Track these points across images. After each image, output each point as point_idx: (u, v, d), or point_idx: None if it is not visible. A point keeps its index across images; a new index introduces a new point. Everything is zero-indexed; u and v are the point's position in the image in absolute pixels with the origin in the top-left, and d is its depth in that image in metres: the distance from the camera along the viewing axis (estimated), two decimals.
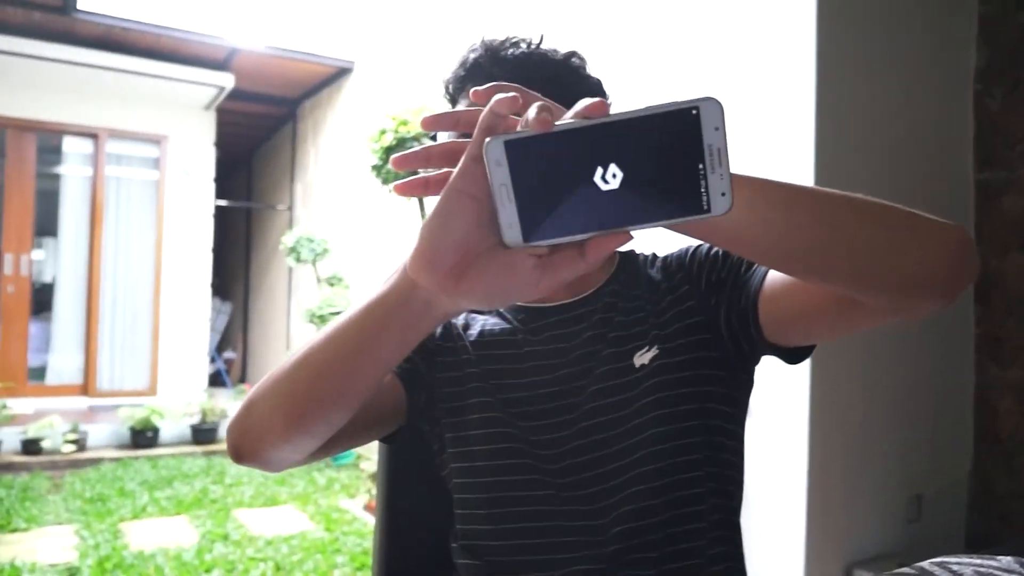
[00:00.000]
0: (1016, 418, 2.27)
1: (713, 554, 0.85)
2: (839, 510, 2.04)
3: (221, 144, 7.41)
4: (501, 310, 0.96)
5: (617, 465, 0.84)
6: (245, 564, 3.41)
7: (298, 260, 5.73)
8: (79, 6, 5.43)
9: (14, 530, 3.86)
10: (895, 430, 2.19)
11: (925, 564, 0.59)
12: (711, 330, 0.86)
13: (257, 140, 8.97)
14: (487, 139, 0.48)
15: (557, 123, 0.48)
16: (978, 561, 0.57)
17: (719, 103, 0.46)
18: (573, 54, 0.92)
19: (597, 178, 0.48)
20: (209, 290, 7.30)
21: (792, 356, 0.84)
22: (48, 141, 6.63)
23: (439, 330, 0.96)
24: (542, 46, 0.90)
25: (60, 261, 6.74)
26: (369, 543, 3.68)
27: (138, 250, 6.87)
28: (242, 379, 8.59)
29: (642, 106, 0.47)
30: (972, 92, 2.36)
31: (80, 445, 5.45)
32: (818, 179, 1.98)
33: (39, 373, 6.62)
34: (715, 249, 0.89)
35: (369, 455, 4.88)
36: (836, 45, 2.01)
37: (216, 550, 3.58)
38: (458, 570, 0.91)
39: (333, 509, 4.35)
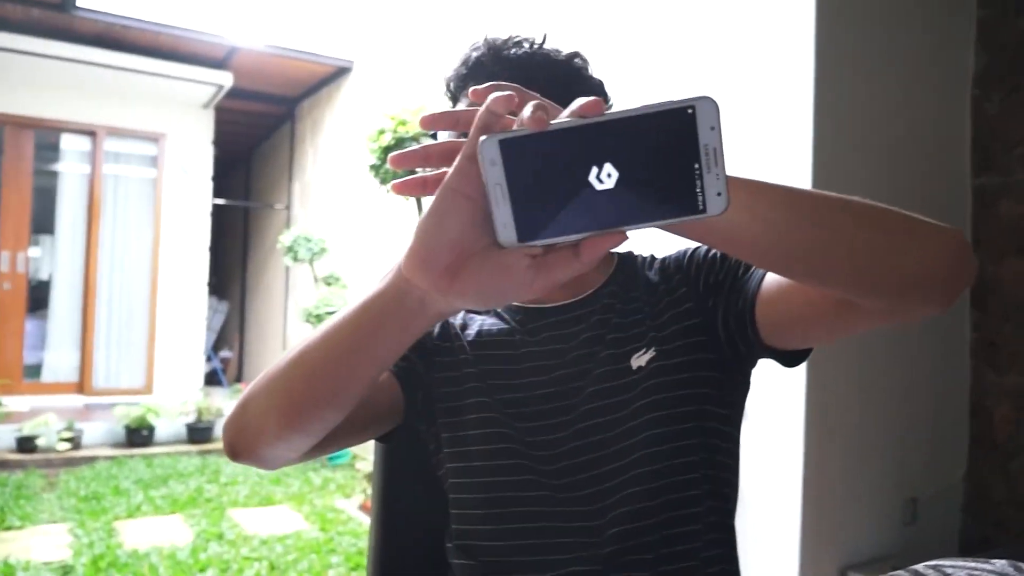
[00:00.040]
0: (1012, 423, 2.28)
1: (708, 556, 0.85)
2: (834, 512, 2.05)
3: (219, 143, 7.40)
4: (499, 310, 0.96)
5: (613, 467, 0.84)
6: (240, 564, 3.40)
7: (295, 259, 5.72)
8: (78, 3, 5.42)
9: (8, 528, 3.86)
10: (891, 433, 2.19)
11: (919, 567, 0.59)
12: (708, 332, 0.86)
13: (255, 139, 8.96)
14: (482, 138, 0.48)
15: (552, 122, 0.48)
16: (972, 564, 0.57)
17: (715, 102, 0.46)
18: (576, 55, 0.91)
19: (592, 178, 0.47)
20: (206, 289, 7.29)
21: (789, 359, 0.84)
22: (46, 138, 6.62)
23: (437, 329, 0.96)
24: (545, 46, 0.90)
25: (57, 258, 6.73)
26: (364, 543, 3.68)
27: (135, 248, 6.86)
28: (238, 378, 8.58)
29: (638, 105, 0.47)
30: (970, 96, 2.37)
31: (75, 443, 5.44)
32: (816, 180, 1.98)
33: (35, 371, 6.60)
34: (713, 251, 0.89)
35: (365, 455, 4.88)
36: (835, 46, 2.01)
37: (211, 549, 3.57)
38: (453, 570, 0.91)
39: (328, 509, 4.35)
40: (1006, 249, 2.29)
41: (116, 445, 5.72)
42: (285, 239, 5.74)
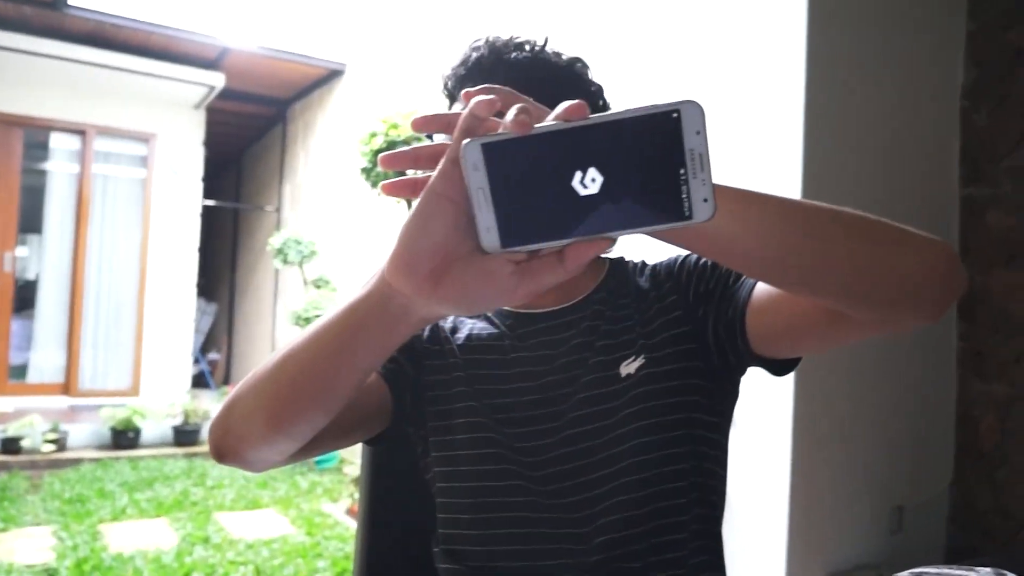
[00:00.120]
0: (998, 433, 2.29)
1: (696, 563, 0.85)
2: (821, 520, 2.05)
3: (210, 144, 7.37)
4: (489, 314, 0.96)
5: (601, 474, 0.83)
6: (225, 568, 3.38)
7: (285, 262, 5.71)
8: (70, 2, 5.40)
9: None
10: (877, 442, 2.20)
11: (905, 574, 0.59)
12: (698, 340, 0.86)
13: (247, 140, 8.94)
14: (464, 141, 0.47)
15: (536, 126, 0.47)
16: (958, 572, 0.57)
17: (700, 107, 0.46)
18: (577, 59, 0.91)
19: (576, 183, 0.47)
20: (194, 290, 7.25)
21: (778, 368, 0.84)
22: (35, 137, 6.58)
23: (426, 332, 0.96)
24: (547, 49, 0.89)
25: (44, 258, 6.68)
26: (351, 547, 3.66)
27: (123, 249, 6.82)
28: (226, 381, 8.53)
29: (622, 109, 0.47)
30: (959, 108, 2.39)
31: (60, 445, 5.39)
32: (805, 188, 1.99)
33: (20, 371, 6.55)
34: (704, 259, 0.89)
35: (352, 459, 4.86)
36: (826, 54, 2.02)
37: (196, 553, 3.55)
38: (440, 574, 0.91)
39: (315, 513, 4.33)
40: (994, 260, 2.31)
41: (102, 447, 5.67)
42: (275, 241, 5.72)
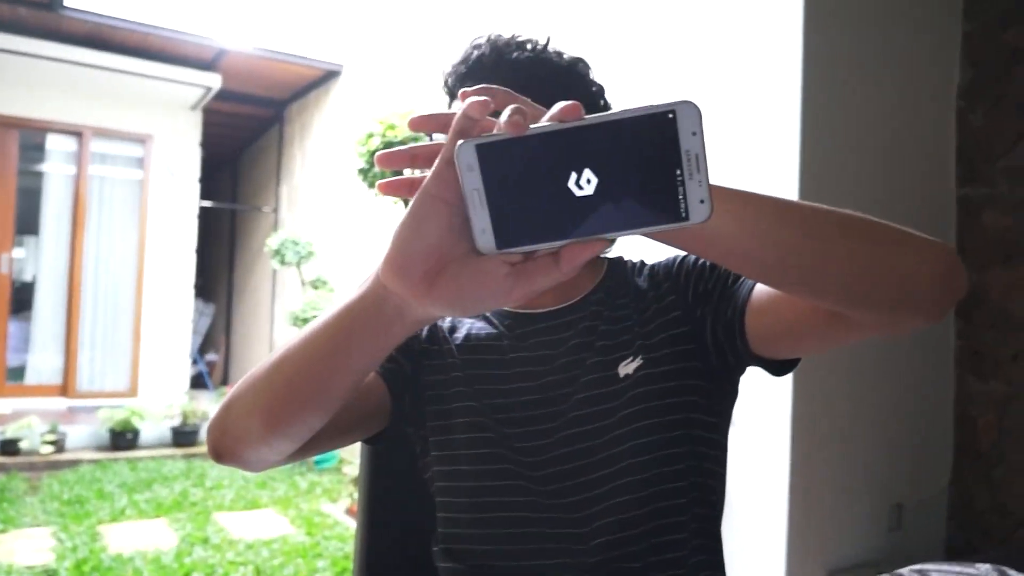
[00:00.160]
0: (995, 432, 2.30)
1: (695, 563, 0.85)
2: (820, 518, 2.05)
3: (207, 145, 7.37)
4: (487, 314, 0.96)
5: (600, 474, 0.83)
6: (225, 568, 3.38)
7: (282, 263, 5.70)
8: (66, 3, 5.38)
9: None
10: (876, 440, 2.20)
11: (904, 571, 0.59)
12: (696, 341, 0.86)
13: (243, 141, 8.93)
14: (459, 142, 0.47)
15: (532, 126, 0.47)
16: (957, 569, 0.57)
17: (696, 107, 0.45)
18: (579, 60, 0.91)
19: (571, 184, 0.46)
20: (192, 291, 7.24)
21: (777, 368, 0.84)
22: (31, 138, 6.57)
23: (425, 332, 0.95)
24: (548, 48, 0.89)
25: (41, 260, 6.67)
26: (350, 547, 3.66)
27: (120, 250, 6.81)
28: (224, 381, 8.52)
29: (618, 109, 0.46)
30: (955, 108, 2.39)
31: (59, 446, 5.39)
32: (803, 189, 1.99)
33: (18, 373, 6.54)
34: (703, 259, 0.88)
35: (351, 459, 4.85)
36: (822, 54, 2.03)
37: (196, 554, 3.54)
38: (440, 574, 0.91)
39: (315, 513, 4.32)
40: (991, 259, 2.31)
41: (100, 448, 5.67)
42: (272, 242, 5.72)
